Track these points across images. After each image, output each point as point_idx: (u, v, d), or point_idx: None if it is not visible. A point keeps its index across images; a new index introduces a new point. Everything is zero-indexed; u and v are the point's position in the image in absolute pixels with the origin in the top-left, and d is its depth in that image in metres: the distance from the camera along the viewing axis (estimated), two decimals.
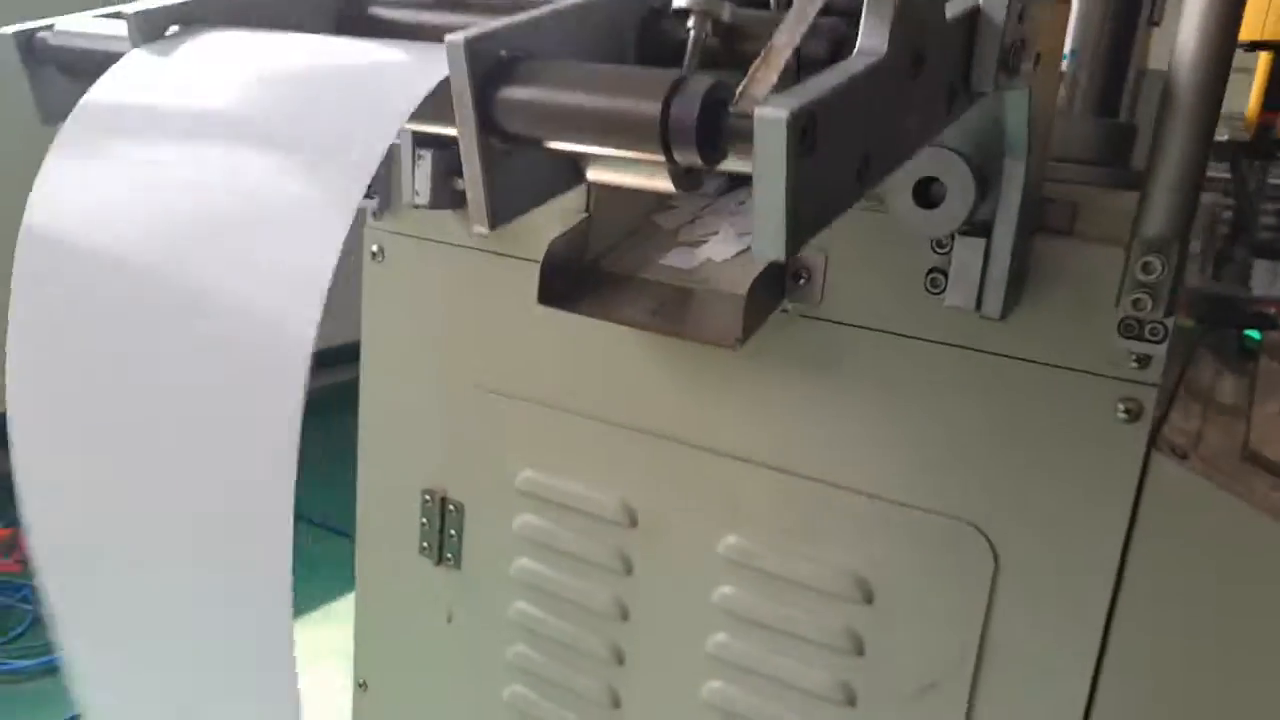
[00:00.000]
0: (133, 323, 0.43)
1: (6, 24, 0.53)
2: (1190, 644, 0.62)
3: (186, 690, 0.47)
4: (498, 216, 0.41)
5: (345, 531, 1.91)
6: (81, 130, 0.47)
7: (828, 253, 0.69)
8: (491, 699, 0.91)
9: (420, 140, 0.79)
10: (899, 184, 0.59)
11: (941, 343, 0.66)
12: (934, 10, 0.43)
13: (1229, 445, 0.67)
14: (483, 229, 0.41)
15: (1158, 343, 0.59)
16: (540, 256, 0.74)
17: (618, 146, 0.38)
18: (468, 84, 0.39)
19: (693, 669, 0.80)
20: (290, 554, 0.40)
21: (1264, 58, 1.20)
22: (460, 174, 0.88)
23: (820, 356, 0.71)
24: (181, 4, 0.49)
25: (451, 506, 0.91)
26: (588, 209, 0.78)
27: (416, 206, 0.81)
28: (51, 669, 1.75)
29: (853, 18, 0.41)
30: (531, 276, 0.74)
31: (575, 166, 0.45)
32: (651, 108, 0.36)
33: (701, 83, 0.36)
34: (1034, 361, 0.64)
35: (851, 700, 0.74)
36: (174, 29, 0.49)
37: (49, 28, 0.54)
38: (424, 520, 0.92)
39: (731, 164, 0.37)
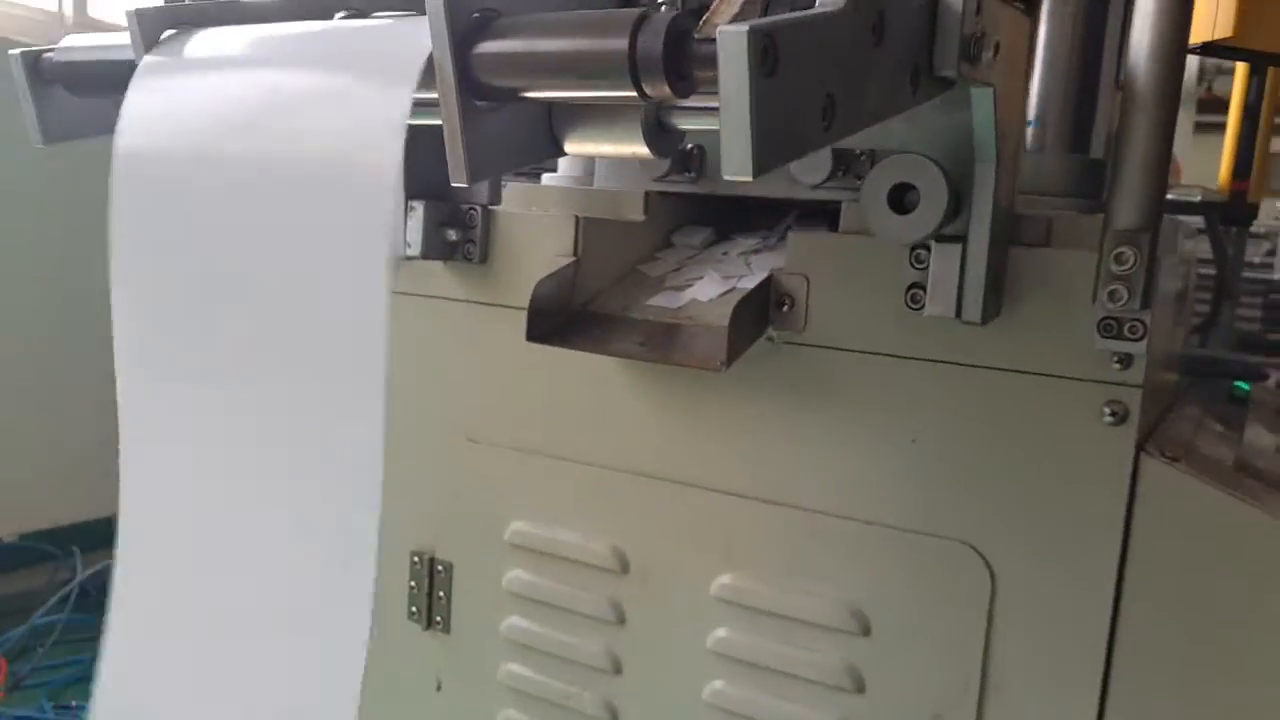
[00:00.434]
0: (228, 195, 0.50)
1: None
2: (1195, 651, 0.60)
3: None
4: (476, 173, 0.43)
5: None
6: (157, 64, 0.52)
7: (809, 277, 0.70)
8: None
9: (412, 193, 0.82)
10: (875, 192, 0.61)
11: (925, 359, 0.67)
12: None
13: (1220, 455, 0.67)
14: (461, 182, 0.42)
15: (1137, 340, 0.59)
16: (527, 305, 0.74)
17: (592, 88, 0.40)
18: (447, 41, 0.41)
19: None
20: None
21: (1232, 126, 1.25)
22: (450, 225, 0.90)
23: (806, 383, 0.71)
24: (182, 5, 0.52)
25: (440, 567, 0.89)
26: (575, 253, 0.79)
27: (408, 258, 0.83)
28: None
29: None
30: (519, 325, 0.74)
31: (553, 136, 0.46)
32: (619, 43, 0.38)
33: (665, 16, 0.38)
34: (1017, 371, 0.64)
35: None
36: (169, 32, 0.52)
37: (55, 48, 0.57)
38: (412, 584, 0.90)
39: (700, 100, 0.39)
